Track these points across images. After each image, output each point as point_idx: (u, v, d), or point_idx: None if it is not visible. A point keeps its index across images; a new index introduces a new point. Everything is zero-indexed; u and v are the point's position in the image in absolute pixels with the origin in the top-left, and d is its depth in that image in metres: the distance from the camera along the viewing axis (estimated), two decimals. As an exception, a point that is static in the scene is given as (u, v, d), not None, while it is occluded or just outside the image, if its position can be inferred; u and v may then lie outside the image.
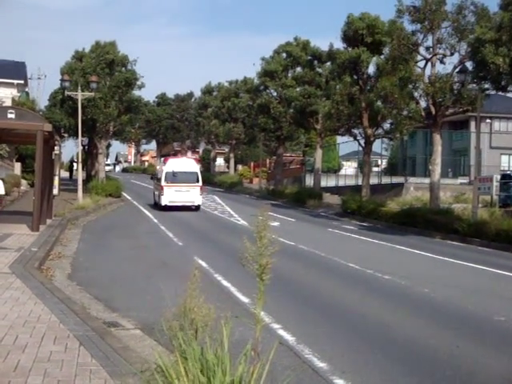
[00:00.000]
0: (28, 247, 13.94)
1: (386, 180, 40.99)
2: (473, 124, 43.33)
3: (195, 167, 31.66)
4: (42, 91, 65.75)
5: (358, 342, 7.73)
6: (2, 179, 20.90)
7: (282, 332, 7.87)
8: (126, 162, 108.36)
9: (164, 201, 29.51)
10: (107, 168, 56.89)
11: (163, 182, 29.65)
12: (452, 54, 25.78)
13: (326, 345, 7.51)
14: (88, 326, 7.11)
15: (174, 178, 29.93)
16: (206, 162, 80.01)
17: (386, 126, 34.04)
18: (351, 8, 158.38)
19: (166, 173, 30.05)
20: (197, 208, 30.12)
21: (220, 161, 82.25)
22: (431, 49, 26.02)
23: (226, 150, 74.15)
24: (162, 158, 43.50)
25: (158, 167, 42.25)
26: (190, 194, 29.78)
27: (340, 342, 7.69)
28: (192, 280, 5.80)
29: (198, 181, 30.30)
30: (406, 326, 8.68)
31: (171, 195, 29.47)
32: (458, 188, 37.17)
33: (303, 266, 14.37)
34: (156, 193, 31.99)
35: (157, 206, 30.55)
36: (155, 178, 34.24)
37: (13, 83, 43.64)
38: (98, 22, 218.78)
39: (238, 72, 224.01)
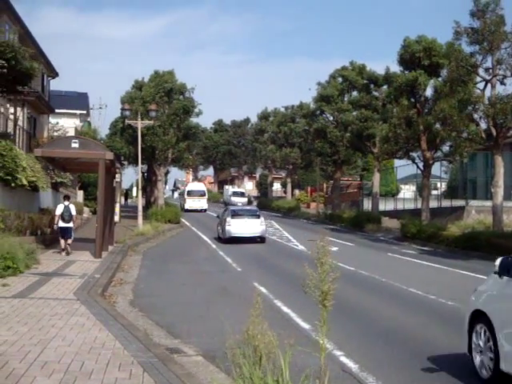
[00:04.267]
0: (91, 274, 14.24)
1: (445, 203, 40.10)
2: (536, 145, 42.05)
3: (203, 187, 61.02)
4: (103, 120, 68.02)
5: (422, 369, 7.53)
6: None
7: (344, 359, 7.75)
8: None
9: (186, 206, 54.71)
10: (199, 205, 56.72)
11: (186, 196, 57.78)
12: (513, 75, 25.26)
13: (391, 372, 7.35)
14: (151, 352, 7.18)
15: (190, 193, 57.37)
16: (264, 188, 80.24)
17: (445, 148, 33.50)
18: (407, 31, 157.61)
19: (188, 191, 58.39)
20: (204, 210, 55.26)
21: (277, 186, 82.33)
22: (491, 70, 25.56)
23: (283, 174, 74.22)
24: (186, 183, 74.36)
25: (184, 187, 70.92)
26: (200, 203, 56.20)
27: (404, 370, 7.51)
28: (255, 307, 5.80)
29: (205, 195, 57.90)
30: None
31: (189, 203, 55.83)
32: (522, 211, 36.01)
33: (364, 291, 14.18)
34: (182, 202, 58.62)
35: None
36: (182, 193, 67.05)
37: (76, 113, 45.09)
38: (158, 51, 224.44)
39: (293, 97, 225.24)
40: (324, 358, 4.97)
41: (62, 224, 18.96)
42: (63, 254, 18.56)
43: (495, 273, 7.08)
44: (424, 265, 20.29)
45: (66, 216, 18.98)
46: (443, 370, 7.52)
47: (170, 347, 8.19)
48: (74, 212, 19.48)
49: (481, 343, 6.99)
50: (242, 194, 65.51)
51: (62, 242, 18.92)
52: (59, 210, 19.25)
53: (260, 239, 28.36)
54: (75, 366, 6.42)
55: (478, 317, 7.08)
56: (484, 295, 7.28)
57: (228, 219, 28.48)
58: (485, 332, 6.90)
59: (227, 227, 28.23)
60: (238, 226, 28.19)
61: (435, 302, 12.40)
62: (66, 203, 19.39)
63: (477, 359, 7.11)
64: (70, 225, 19.09)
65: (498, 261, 7.04)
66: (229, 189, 72.53)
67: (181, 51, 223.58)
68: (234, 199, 60.87)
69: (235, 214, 29.07)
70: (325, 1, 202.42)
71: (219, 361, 6.97)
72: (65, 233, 18.93)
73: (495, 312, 6.77)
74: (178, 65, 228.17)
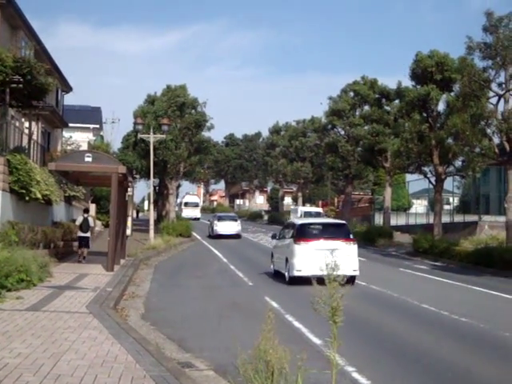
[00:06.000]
0: (103, 287, 14.29)
1: (458, 218, 39.90)
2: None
3: (197, 199, 73.61)
4: (115, 134, 68.11)
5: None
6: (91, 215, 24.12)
7: (356, 375, 7.72)
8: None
9: (183, 215, 56.51)
10: (193, 214, 64.82)
11: (183, 206, 66.56)
12: (526, 90, 25.19)
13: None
14: (163, 366, 7.19)
15: (186, 204, 67.67)
16: (275, 202, 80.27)
17: (458, 163, 33.40)
18: (419, 46, 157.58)
19: (185, 202, 68.66)
20: (198, 219, 62.91)
21: (288, 200, 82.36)
22: (504, 85, 25.51)
23: (294, 189, 74.22)
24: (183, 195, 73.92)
25: (181, 200, 71.71)
26: (194, 212, 65.77)
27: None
28: (267, 321, 5.80)
29: (198, 205, 69.97)
30: (489, 372, 8.29)
31: (186, 212, 62.58)
32: (536, 226, 35.71)
33: (375, 306, 14.12)
34: (179, 211, 61.11)
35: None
36: (179, 204, 68.93)
37: (89, 128, 45.42)
38: (171, 65, 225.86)
39: (305, 111, 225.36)
40: (335, 374, 4.96)
41: (80, 234, 21.11)
42: (82, 260, 20.47)
43: (272, 237, 22.20)
44: (436, 280, 20.18)
45: (85, 227, 21.02)
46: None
47: (181, 361, 8.20)
48: (91, 224, 21.75)
49: (273, 260, 20.25)
50: (318, 215, 45.95)
51: (80, 250, 20.89)
52: (79, 221, 21.50)
53: (237, 236, 40.20)
54: (88, 379, 6.44)
55: (272, 252, 20.53)
56: (275, 244, 20.77)
57: (215, 222, 41.15)
58: (272, 256, 20.18)
59: (215, 227, 40.77)
60: (222, 227, 40.41)
61: (448, 319, 12.32)
62: (86, 215, 21.49)
63: (271, 266, 20.35)
64: (88, 235, 21.17)
65: (271, 234, 23.67)
66: (297, 208, 52.15)
67: (194, 66, 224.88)
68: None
69: (220, 219, 41.69)
70: (337, 16, 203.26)
71: (230, 376, 6.98)
72: (83, 242, 20.87)
73: (273, 250, 20.58)
74: (191, 79, 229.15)
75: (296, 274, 17.29)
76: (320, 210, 51.57)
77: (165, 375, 6.75)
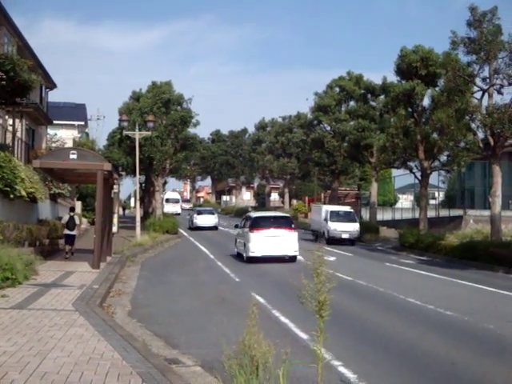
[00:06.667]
0: (89, 285, 14.24)
1: (443, 213, 40.17)
2: (533, 154, 42.15)
3: (178, 196, 76.54)
4: (100, 131, 68.15)
5: (420, 380, 7.54)
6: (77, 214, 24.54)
7: (342, 369, 7.76)
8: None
9: (164, 210, 52.22)
10: (174, 210, 65.32)
11: (164, 202, 63.40)
12: (510, 84, 25.28)
13: (389, 382, 7.36)
14: (150, 362, 7.18)
15: (168, 201, 69.67)
16: (261, 198, 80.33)
17: (443, 158, 33.56)
18: (404, 41, 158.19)
19: (166, 199, 68.58)
20: (178, 214, 63.39)
21: (275, 196, 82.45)
22: (488, 79, 25.65)
23: (281, 184, 74.35)
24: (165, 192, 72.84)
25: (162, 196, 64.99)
26: (175, 208, 67.95)
27: (404, 380, 7.52)
28: (250, 317, 5.82)
29: (179, 202, 73.22)
30: (474, 365, 8.35)
31: (167, 208, 62.19)
32: (520, 220, 36.04)
33: (362, 301, 14.18)
34: (163, 203, 59.32)
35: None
36: (165, 200, 68.13)
37: (74, 125, 45.16)
38: (156, 62, 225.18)
39: (291, 107, 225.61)
40: (321, 368, 4.99)
41: (66, 232, 21.48)
42: (70, 256, 20.97)
43: (235, 227, 26.99)
44: (422, 275, 20.30)
45: (71, 225, 21.47)
46: (440, 379, 7.54)
47: (168, 357, 8.20)
48: (77, 222, 22.36)
49: (237, 244, 24.59)
50: (347, 215, 35.15)
51: (67, 247, 21.27)
52: (65, 219, 21.98)
53: (214, 228, 44.63)
54: (74, 376, 6.42)
55: (236, 238, 25.17)
56: (236, 232, 25.84)
57: (195, 215, 46.10)
58: (236, 242, 24.96)
59: (194, 220, 45.53)
60: (201, 219, 45.18)
61: (433, 312, 12.40)
62: (72, 214, 22.02)
63: (235, 249, 25.01)
64: (74, 232, 21.73)
65: (234, 224, 28.69)
66: (321, 207, 37.77)
67: (179, 62, 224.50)
68: (335, 226, 33.95)
69: (199, 213, 46.94)
70: (323, 11, 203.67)
71: (217, 371, 6.99)
72: (69, 239, 21.33)
73: (237, 237, 25.23)
74: (177, 75, 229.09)
75: (251, 254, 22.63)
76: (349, 209, 37.30)
77: (152, 371, 6.75)
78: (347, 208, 37.60)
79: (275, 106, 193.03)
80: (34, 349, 7.60)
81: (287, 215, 26.85)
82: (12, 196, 18.38)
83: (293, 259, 22.74)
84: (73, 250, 21.52)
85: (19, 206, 20.03)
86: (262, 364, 5.53)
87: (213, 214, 46.51)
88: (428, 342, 9.71)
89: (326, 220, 34.38)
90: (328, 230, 33.99)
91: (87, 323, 9.49)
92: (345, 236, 33.65)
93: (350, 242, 33.63)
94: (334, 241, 33.00)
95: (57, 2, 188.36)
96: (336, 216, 34.50)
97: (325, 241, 31.60)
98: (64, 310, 10.60)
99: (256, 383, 5.50)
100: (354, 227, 34.12)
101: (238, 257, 24.41)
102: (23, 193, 18.82)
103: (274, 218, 24.53)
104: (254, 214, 25.66)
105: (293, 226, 23.53)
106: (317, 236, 35.44)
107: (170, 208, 65.39)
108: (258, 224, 23.14)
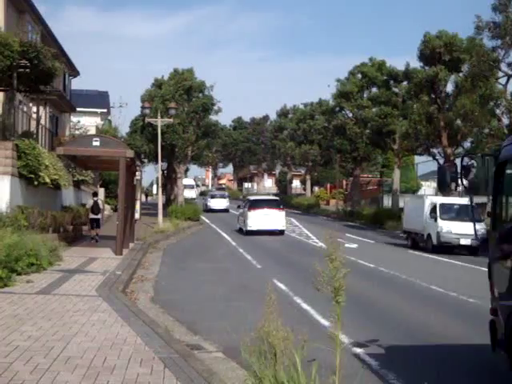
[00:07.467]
0: (112, 271, 14.38)
1: (466, 200, 39.74)
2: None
3: (193, 182, 74.61)
4: (123, 119, 68.37)
5: (444, 368, 7.52)
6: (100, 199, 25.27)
7: (364, 356, 7.76)
8: (203, 185, 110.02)
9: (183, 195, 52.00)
10: (190, 195, 64.58)
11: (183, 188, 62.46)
12: (535, 69, 24.98)
13: (413, 370, 7.35)
14: (172, 348, 7.25)
15: (185, 186, 54.62)
16: (283, 185, 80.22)
17: (467, 144, 33.25)
18: (427, 27, 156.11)
19: (185, 184, 57.32)
20: (194, 199, 60.42)
21: (296, 183, 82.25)
22: (513, 64, 25.32)
23: (302, 171, 74.11)
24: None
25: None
26: (191, 193, 64.74)
27: (427, 368, 7.50)
28: (268, 303, 5.81)
29: (194, 187, 71.64)
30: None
31: (185, 193, 53.80)
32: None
33: (384, 288, 14.14)
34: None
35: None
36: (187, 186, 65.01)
37: (97, 112, 45.36)
38: (179, 49, 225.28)
39: (313, 94, 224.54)
40: (339, 354, 4.98)
41: (92, 216, 22.25)
42: (96, 241, 21.66)
43: (238, 207, 34.71)
44: (445, 262, 20.22)
45: (96, 209, 22.23)
46: (462, 366, 7.51)
47: (190, 343, 8.26)
48: (101, 206, 23.26)
49: (239, 221, 31.83)
50: (466, 211, 23.85)
51: (92, 231, 22.15)
52: (89, 204, 22.87)
53: (226, 210, 49.44)
54: (98, 361, 6.51)
55: (238, 216, 32.47)
56: (239, 212, 32.97)
57: (209, 199, 52.24)
58: (238, 219, 32.61)
59: (208, 203, 51.19)
60: (214, 203, 50.96)
61: (456, 300, 12.34)
62: (95, 199, 22.89)
63: (237, 225, 32.29)
64: (99, 216, 22.46)
65: (237, 205, 36.92)
66: (425, 199, 27.57)
67: (201, 49, 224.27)
68: (448, 226, 23.96)
69: (213, 196, 52.80)
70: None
71: (239, 357, 7.02)
72: (94, 223, 22.15)
73: (239, 216, 32.60)
74: (199, 62, 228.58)
75: (249, 228, 29.71)
76: (464, 201, 24.77)
77: (174, 357, 6.81)
78: (465, 200, 24.23)
79: (297, 92, 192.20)
80: (59, 334, 7.70)
81: (277, 198, 36.67)
82: (36, 183, 18.60)
83: (281, 232, 29.95)
84: (98, 233, 22.10)
85: (43, 193, 20.26)
86: (281, 351, 5.54)
87: (224, 198, 52.30)
88: (450, 329, 9.64)
89: (433, 218, 24.58)
90: (437, 232, 23.85)
91: (110, 309, 9.59)
92: (464, 242, 23.36)
93: (470, 251, 23.35)
94: (447, 249, 23.62)
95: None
96: (449, 212, 24.88)
97: (431, 247, 24.02)
98: (87, 296, 10.73)
99: (273, 369, 5.51)
100: (477, 229, 20.06)
101: (239, 231, 31.24)
102: (47, 179, 19.01)
103: (267, 200, 32.73)
104: (251, 198, 33.89)
105: (281, 206, 30.91)
106: (414, 240, 26.25)
107: (186, 193, 67.17)
108: (254, 205, 30.15)
